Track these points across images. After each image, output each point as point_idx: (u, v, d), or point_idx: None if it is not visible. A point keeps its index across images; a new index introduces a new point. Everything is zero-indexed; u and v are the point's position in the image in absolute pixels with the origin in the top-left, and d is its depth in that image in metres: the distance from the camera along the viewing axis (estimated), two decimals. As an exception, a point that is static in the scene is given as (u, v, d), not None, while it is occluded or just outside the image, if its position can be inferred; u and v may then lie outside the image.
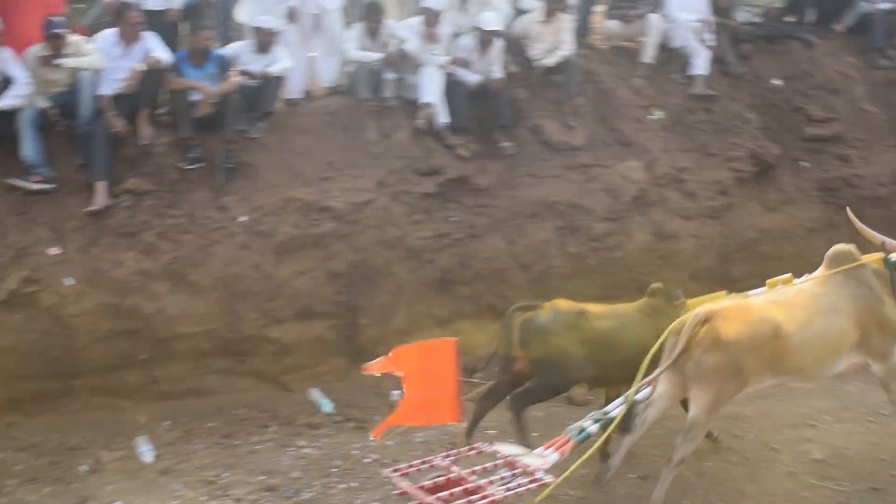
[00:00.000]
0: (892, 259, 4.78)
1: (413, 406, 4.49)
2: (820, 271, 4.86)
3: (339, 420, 6.25)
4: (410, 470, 4.05)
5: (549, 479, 3.95)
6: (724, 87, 8.33)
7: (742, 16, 8.73)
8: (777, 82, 8.47)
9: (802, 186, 8.16)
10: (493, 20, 7.23)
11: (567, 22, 7.71)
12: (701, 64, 8.05)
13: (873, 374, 4.82)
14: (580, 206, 7.31)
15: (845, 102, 8.57)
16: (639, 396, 4.53)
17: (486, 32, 7.18)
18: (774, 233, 7.97)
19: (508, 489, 3.81)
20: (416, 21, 7.22)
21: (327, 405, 6.36)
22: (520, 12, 7.91)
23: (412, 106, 7.12)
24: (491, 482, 3.86)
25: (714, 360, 4.35)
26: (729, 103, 8.25)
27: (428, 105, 6.97)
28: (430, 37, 7.13)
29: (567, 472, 4.14)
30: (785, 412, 6.20)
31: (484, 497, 3.71)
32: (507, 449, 4.23)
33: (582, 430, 4.38)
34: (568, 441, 4.29)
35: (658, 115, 7.96)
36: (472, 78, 7.24)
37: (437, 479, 3.91)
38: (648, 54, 8.09)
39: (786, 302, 4.67)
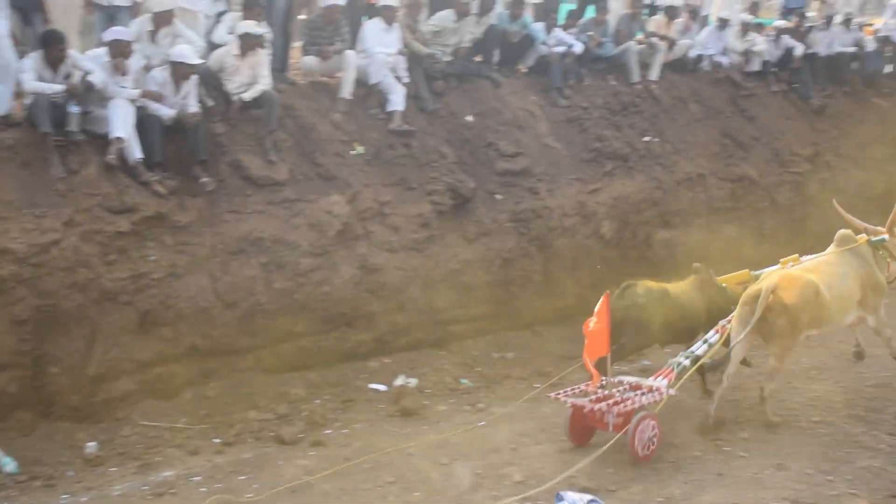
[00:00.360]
0: (874, 240, 7.65)
1: (592, 341, 7.11)
2: (830, 249, 7.76)
3: (23, 479, 6.61)
4: (572, 391, 7.15)
5: (667, 393, 6.96)
6: (421, 122, 9.95)
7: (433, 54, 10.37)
8: (469, 118, 10.27)
9: (497, 218, 9.92)
10: (186, 53, 8.12)
11: (264, 56, 8.83)
12: (397, 100, 9.57)
13: (868, 325, 7.70)
14: (285, 241, 8.39)
15: (531, 138, 10.58)
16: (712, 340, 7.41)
17: (178, 65, 8.07)
18: (475, 263, 9.62)
19: (642, 399, 6.82)
20: (102, 52, 7.90)
21: (9, 464, 6.67)
22: (214, 46, 8.90)
23: (102, 141, 7.71)
24: (628, 397, 6.82)
25: (783, 321, 7.02)
26: (426, 138, 9.87)
27: (119, 140, 7.61)
28: (118, 68, 7.81)
29: (674, 388, 7.05)
30: (488, 437, 7.63)
31: (628, 403, 6.74)
32: (629, 379, 7.25)
33: (679, 364, 7.27)
34: (671, 371, 7.21)
35: (359, 149, 9.32)
36: (165, 112, 8.04)
37: (594, 397, 6.94)
38: (346, 90, 9.45)
39: (814, 270, 7.38)
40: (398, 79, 9.70)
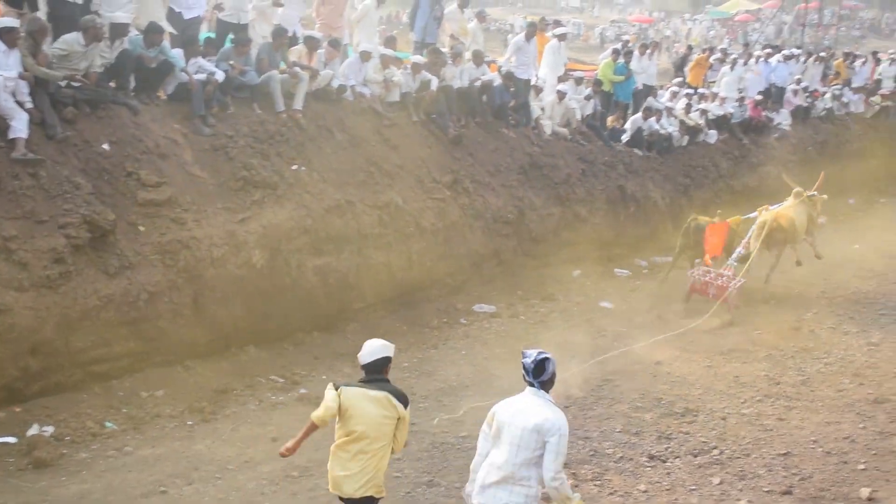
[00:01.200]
0: (809, 194, 14.48)
1: (709, 245, 13.87)
2: (789, 200, 14.38)
3: None
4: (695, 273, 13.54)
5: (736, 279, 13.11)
6: (50, 151, 9.39)
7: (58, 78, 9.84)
8: (106, 147, 9.86)
9: (141, 250, 9.62)
10: None
11: None
12: (20, 126, 8.96)
13: (808, 244, 14.56)
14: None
15: (175, 167, 10.40)
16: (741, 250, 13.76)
17: None
18: (117, 298, 9.24)
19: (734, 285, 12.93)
20: None
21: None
22: None
23: None
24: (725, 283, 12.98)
25: (780, 236, 13.77)
26: (57, 168, 9.32)
27: None
28: None
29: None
30: (136, 482, 7.37)
31: (728, 282, 12.97)
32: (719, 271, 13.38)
33: (733, 264, 13.42)
34: (731, 268, 13.33)
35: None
36: None
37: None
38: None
39: (787, 211, 14.00)
40: (20, 104, 9.08)
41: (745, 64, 22.13)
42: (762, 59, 22.96)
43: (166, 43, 11.02)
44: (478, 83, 15.28)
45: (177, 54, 11.00)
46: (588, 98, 17.56)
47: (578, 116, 16.98)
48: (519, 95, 15.86)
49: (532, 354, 5.27)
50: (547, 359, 5.24)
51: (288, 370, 10.36)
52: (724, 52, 24.03)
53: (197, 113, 10.88)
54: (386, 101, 13.63)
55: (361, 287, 11.91)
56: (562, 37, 17.55)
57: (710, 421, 9.20)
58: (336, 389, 5.61)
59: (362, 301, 12.03)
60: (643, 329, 12.12)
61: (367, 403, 5.56)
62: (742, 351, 11.38)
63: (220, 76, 11.17)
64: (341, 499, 5.67)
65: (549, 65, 17.08)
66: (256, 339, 10.65)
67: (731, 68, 21.57)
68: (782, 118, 21.98)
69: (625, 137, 17.54)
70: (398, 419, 5.63)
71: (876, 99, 26.40)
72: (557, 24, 18.91)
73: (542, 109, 16.42)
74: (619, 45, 19.93)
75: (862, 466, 8.11)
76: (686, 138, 18.65)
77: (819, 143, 22.79)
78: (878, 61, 28.24)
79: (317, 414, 5.56)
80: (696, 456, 8.42)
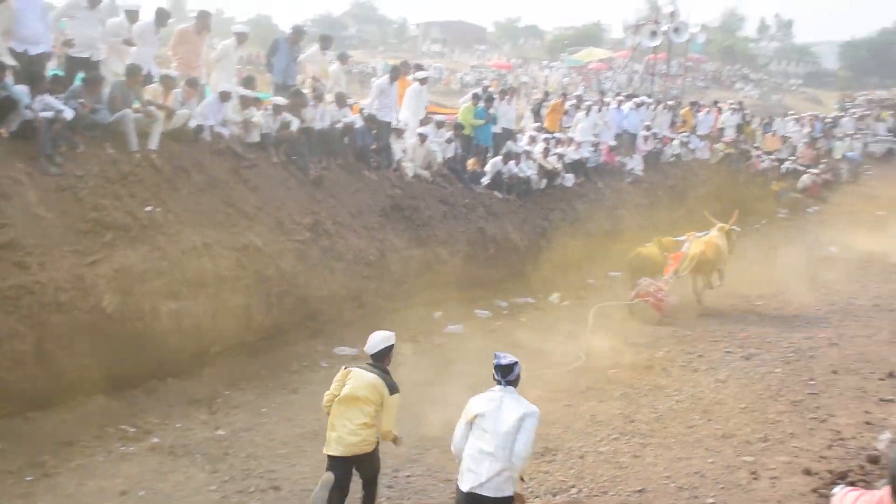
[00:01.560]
0: (727, 227, 17.13)
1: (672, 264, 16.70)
2: (714, 231, 16.96)
3: None
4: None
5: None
6: None
7: None
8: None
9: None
10: None
11: None
12: None
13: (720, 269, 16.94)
14: None
15: (18, 208, 9.89)
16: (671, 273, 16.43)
17: None
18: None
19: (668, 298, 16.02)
20: None
21: None
22: None
23: None
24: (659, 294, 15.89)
25: (707, 266, 16.40)
26: None
27: None
28: None
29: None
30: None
31: (661, 293, 15.91)
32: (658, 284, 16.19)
33: (668, 280, 16.29)
34: (667, 283, 16.24)
35: None
36: None
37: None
38: None
39: (712, 240, 16.54)
40: None
41: (600, 110, 23.06)
42: (615, 105, 23.99)
43: (9, 79, 10.55)
44: (339, 125, 15.32)
45: (21, 90, 10.54)
46: (449, 141, 17.88)
47: (440, 159, 17.24)
48: (381, 138, 15.98)
49: (503, 357, 6.42)
50: (515, 363, 6.41)
51: (140, 419, 9.96)
52: (580, 99, 24.99)
53: (43, 152, 10.42)
54: (245, 142, 13.47)
55: (219, 331, 11.63)
56: (423, 80, 17.83)
57: (569, 460, 9.39)
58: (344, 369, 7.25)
59: (220, 345, 11.74)
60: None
61: (364, 381, 7.03)
62: (598, 389, 11.70)
63: (68, 114, 10.75)
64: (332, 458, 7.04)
65: (410, 108, 17.32)
66: (106, 386, 10.19)
67: (587, 114, 22.44)
68: (635, 163, 22.99)
69: (485, 180, 17.91)
70: (382, 396, 7.00)
71: (719, 146, 28.11)
72: (419, 67, 19.20)
73: (404, 152, 16.60)
74: (479, 90, 20.40)
75: (711, 500, 8.44)
76: (544, 181, 19.21)
77: (669, 188, 23.94)
78: (720, 110, 30.03)
79: (328, 395, 7.19)
80: (554, 495, 8.56)
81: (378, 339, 7.24)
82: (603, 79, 54.01)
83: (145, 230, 11.00)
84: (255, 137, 13.60)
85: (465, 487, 6.28)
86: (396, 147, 16.39)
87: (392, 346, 7.28)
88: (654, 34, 31.03)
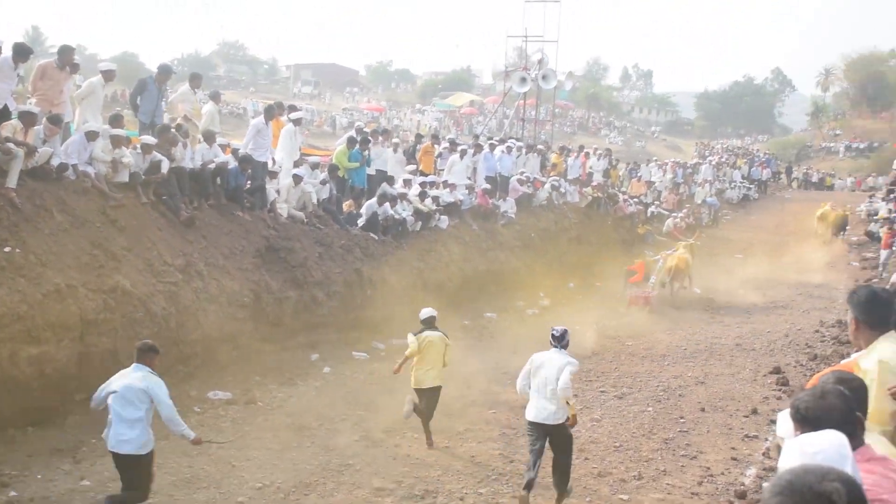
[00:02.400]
0: (690, 242, 24.56)
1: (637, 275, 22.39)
2: (681, 249, 23.19)
3: None
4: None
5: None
6: None
7: None
8: None
9: None
10: None
11: None
12: None
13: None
14: None
15: None
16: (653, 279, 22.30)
17: None
18: None
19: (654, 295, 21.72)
20: None
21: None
22: None
23: None
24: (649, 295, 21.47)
25: (681, 274, 22.57)
26: None
27: None
28: None
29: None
30: None
31: (650, 294, 21.57)
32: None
33: (651, 285, 22.21)
34: (651, 287, 22.13)
35: None
36: None
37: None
38: None
39: (683, 254, 22.80)
40: None
41: (474, 155, 23.51)
42: (487, 150, 24.52)
43: None
44: (211, 165, 15.07)
45: None
46: (324, 182, 17.87)
47: (315, 200, 17.19)
48: (256, 178, 15.82)
49: (559, 329, 9.36)
50: (566, 331, 9.35)
51: (-4, 471, 9.41)
52: (452, 142, 25.40)
53: None
54: (113, 182, 13.07)
55: (84, 377, 11.11)
56: (297, 121, 17.82)
57: (449, 502, 9.39)
58: (416, 335, 11.19)
59: (85, 391, 11.16)
60: (380, 411, 12.21)
61: (433, 339, 11.17)
62: (477, 430, 11.78)
63: (-80, 149, 10.23)
64: (418, 391, 11.11)
65: (284, 148, 17.24)
66: (-42, 438, 9.61)
67: (461, 157, 22.83)
68: (508, 206, 23.50)
69: (361, 222, 17.95)
70: (446, 345, 11.26)
71: (588, 190, 29.06)
72: (293, 108, 19.16)
73: (278, 192, 16.47)
74: (353, 133, 20.50)
75: (591, 538, 8.62)
76: (419, 223, 19.40)
77: (541, 230, 24.56)
78: (587, 156, 31.12)
79: (410, 350, 11.14)
80: (436, 537, 8.55)
81: (427, 312, 11.50)
82: (474, 123, 55.09)
83: (3, 271, 10.49)
84: (123, 177, 13.22)
85: (530, 418, 9.07)
86: (270, 188, 16.24)
87: (436, 316, 11.53)
88: (523, 80, 31.95)
